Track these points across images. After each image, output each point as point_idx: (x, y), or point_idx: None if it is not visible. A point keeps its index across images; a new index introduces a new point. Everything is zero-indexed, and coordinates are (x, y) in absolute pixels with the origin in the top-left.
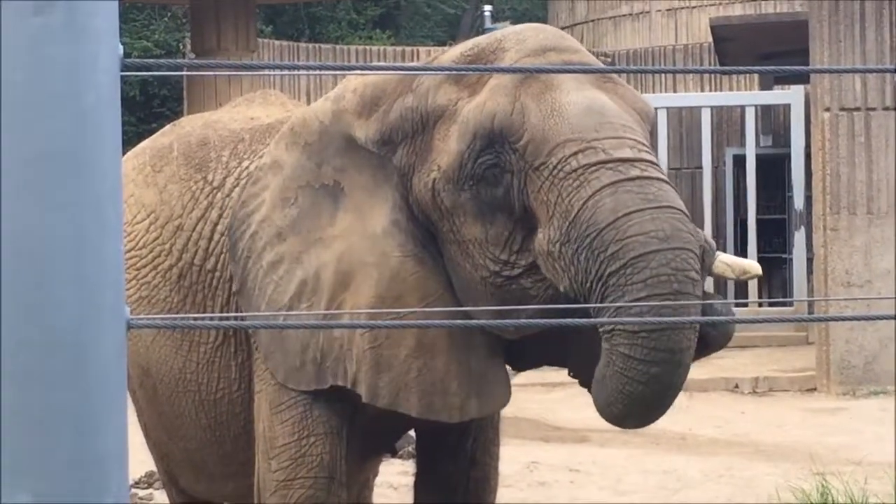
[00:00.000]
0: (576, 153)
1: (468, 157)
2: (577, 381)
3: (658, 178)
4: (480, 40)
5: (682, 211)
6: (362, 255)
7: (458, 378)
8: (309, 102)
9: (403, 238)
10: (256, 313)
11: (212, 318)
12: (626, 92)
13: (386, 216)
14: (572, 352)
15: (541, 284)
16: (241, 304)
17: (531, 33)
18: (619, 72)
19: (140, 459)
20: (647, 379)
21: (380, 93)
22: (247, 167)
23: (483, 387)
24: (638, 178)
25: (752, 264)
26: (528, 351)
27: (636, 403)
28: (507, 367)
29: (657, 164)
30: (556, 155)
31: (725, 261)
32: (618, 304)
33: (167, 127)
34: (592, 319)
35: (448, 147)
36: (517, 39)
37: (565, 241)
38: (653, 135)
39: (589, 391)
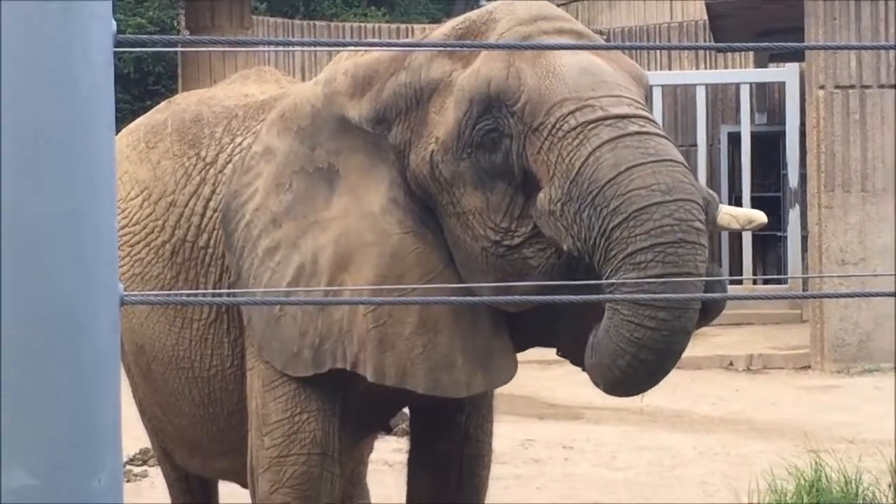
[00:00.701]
0: (574, 111)
1: (466, 124)
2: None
3: (657, 134)
4: (471, 14)
5: (682, 164)
6: (361, 234)
7: (464, 353)
8: (304, 79)
9: (402, 215)
10: (248, 290)
11: (204, 295)
12: (619, 56)
13: (383, 195)
14: (563, 330)
15: (542, 254)
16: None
17: (521, 4)
18: (614, 48)
19: (135, 436)
20: (655, 324)
21: (372, 73)
22: (240, 143)
23: (489, 361)
24: (637, 133)
25: (756, 213)
26: (521, 331)
27: (643, 353)
28: None
29: (655, 121)
30: (554, 114)
31: (729, 212)
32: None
33: (162, 104)
34: (598, 281)
35: (445, 118)
36: (508, 10)
37: (567, 199)
38: (647, 101)
39: (583, 369)
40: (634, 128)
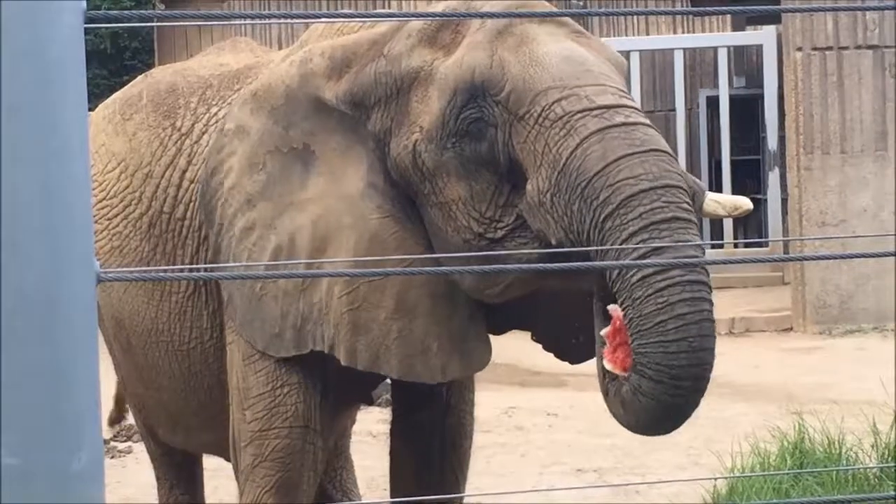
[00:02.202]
0: (559, 100)
1: (450, 113)
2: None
3: (642, 124)
4: (451, 3)
5: (668, 153)
6: (339, 217)
7: (439, 339)
8: (280, 49)
9: (381, 199)
10: (225, 265)
11: (182, 270)
12: (599, 44)
13: (362, 178)
14: (540, 317)
15: (523, 248)
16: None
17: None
18: (591, 14)
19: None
20: (677, 299)
21: (350, 55)
22: (215, 113)
23: (464, 347)
24: (623, 124)
25: (742, 199)
26: (499, 314)
27: (676, 320)
28: None
29: (639, 110)
30: (540, 103)
31: (715, 199)
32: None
33: (138, 78)
34: (595, 263)
35: (429, 107)
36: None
37: (556, 191)
38: (626, 83)
39: (557, 356)
40: (620, 118)
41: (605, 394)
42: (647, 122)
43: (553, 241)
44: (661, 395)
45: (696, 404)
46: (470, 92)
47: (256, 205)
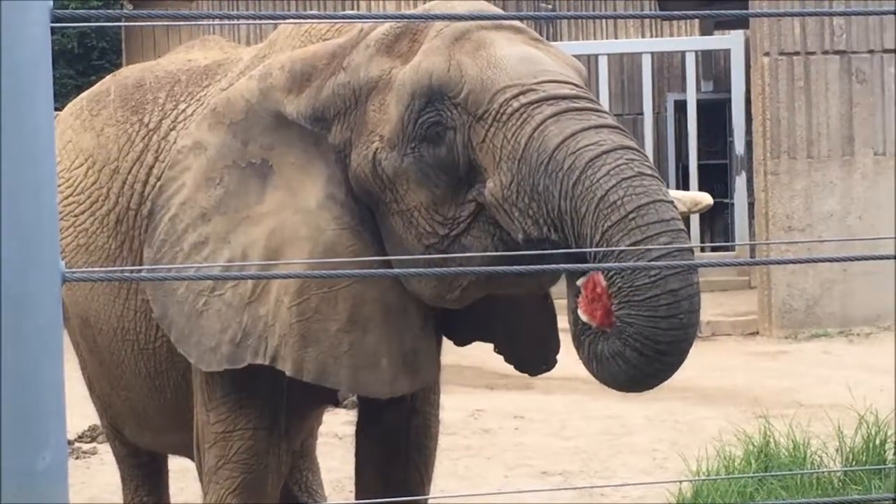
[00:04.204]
0: (517, 95)
1: (409, 118)
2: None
3: (599, 109)
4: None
5: (623, 130)
6: (295, 229)
7: (389, 355)
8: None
9: (340, 211)
10: (188, 265)
11: (142, 271)
12: (556, 50)
13: (321, 190)
14: (499, 326)
15: (480, 241)
16: (150, 291)
17: (460, 7)
18: (560, 17)
19: (83, 413)
20: (670, 273)
21: (309, 68)
22: (183, 110)
23: (414, 363)
24: (578, 108)
25: (701, 195)
26: (463, 326)
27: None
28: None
29: (597, 102)
30: (497, 100)
31: (675, 195)
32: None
33: (107, 77)
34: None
35: (387, 115)
36: (446, 8)
37: (519, 178)
38: (588, 87)
39: (516, 367)
40: (577, 105)
41: (577, 343)
42: (605, 110)
43: (520, 237)
44: (644, 365)
45: (671, 374)
46: (427, 96)
47: (211, 219)
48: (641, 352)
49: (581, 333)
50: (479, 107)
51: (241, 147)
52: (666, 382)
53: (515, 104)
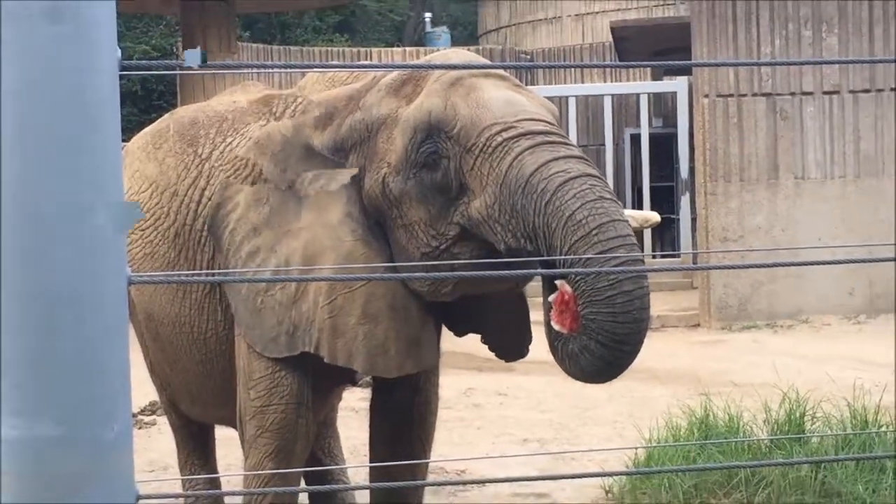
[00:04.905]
0: (500, 131)
1: (411, 148)
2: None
3: (567, 143)
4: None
5: (588, 160)
6: (322, 241)
7: (397, 342)
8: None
9: (355, 226)
10: (233, 270)
11: (198, 274)
12: (534, 94)
13: (341, 210)
14: (487, 323)
15: (466, 250)
16: (226, 290)
17: (455, 57)
18: (537, 67)
19: (144, 392)
20: (624, 277)
21: (332, 109)
22: (230, 143)
23: (417, 349)
24: (551, 142)
25: (651, 214)
26: (461, 318)
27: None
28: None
29: (566, 137)
30: (484, 135)
31: (630, 214)
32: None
33: (165, 115)
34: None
35: (394, 145)
36: (443, 59)
37: (501, 199)
38: (560, 124)
39: (497, 355)
40: (549, 139)
41: (553, 348)
42: (573, 144)
43: (502, 248)
44: (606, 355)
45: (631, 362)
46: (427, 130)
47: (261, 233)
48: (604, 343)
49: (555, 340)
50: (469, 140)
51: (281, 173)
52: None
53: (499, 139)
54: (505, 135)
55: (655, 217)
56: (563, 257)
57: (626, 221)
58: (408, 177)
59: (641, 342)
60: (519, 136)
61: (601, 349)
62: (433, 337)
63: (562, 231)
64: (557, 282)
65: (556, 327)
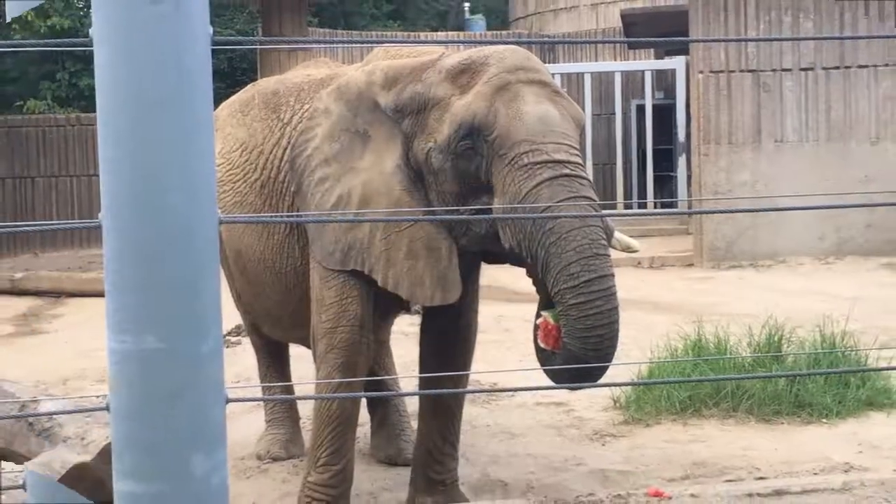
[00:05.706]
0: (528, 151)
1: (454, 139)
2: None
3: (580, 176)
4: (473, 54)
5: (593, 199)
6: (377, 185)
7: (430, 277)
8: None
9: (403, 177)
10: (304, 214)
11: (278, 216)
12: (570, 105)
13: (394, 161)
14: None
15: (479, 225)
16: (297, 202)
17: (509, 54)
18: (559, 43)
19: (229, 317)
20: (597, 296)
21: (398, 74)
22: (307, 109)
23: (444, 284)
24: (567, 175)
25: (633, 242)
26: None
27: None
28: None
29: (581, 165)
30: (514, 150)
31: (617, 237)
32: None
33: (248, 86)
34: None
35: (441, 128)
36: (498, 58)
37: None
38: (580, 134)
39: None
40: (567, 171)
41: (541, 363)
42: (585, 174)
43: (506, 247)
44: (584, 353)
45: (606, 369)
46: (469, 129)
47: (331, 164)
48: (580, 356)
49: (540, 353)
50: (502, 149)
51: (353, 118)
52: (630, 297)
53: (525, 160)
54: (531, 157)
55: (636, 246)
56: (553, 290)
57: (612, 274)
58: (447, 158)
59: (612, 355)
60: (542, 163)
61: (581, 349)
62: (456, 277)
63: (555, 273)
64: (543, 312)
65: (542, 345)
